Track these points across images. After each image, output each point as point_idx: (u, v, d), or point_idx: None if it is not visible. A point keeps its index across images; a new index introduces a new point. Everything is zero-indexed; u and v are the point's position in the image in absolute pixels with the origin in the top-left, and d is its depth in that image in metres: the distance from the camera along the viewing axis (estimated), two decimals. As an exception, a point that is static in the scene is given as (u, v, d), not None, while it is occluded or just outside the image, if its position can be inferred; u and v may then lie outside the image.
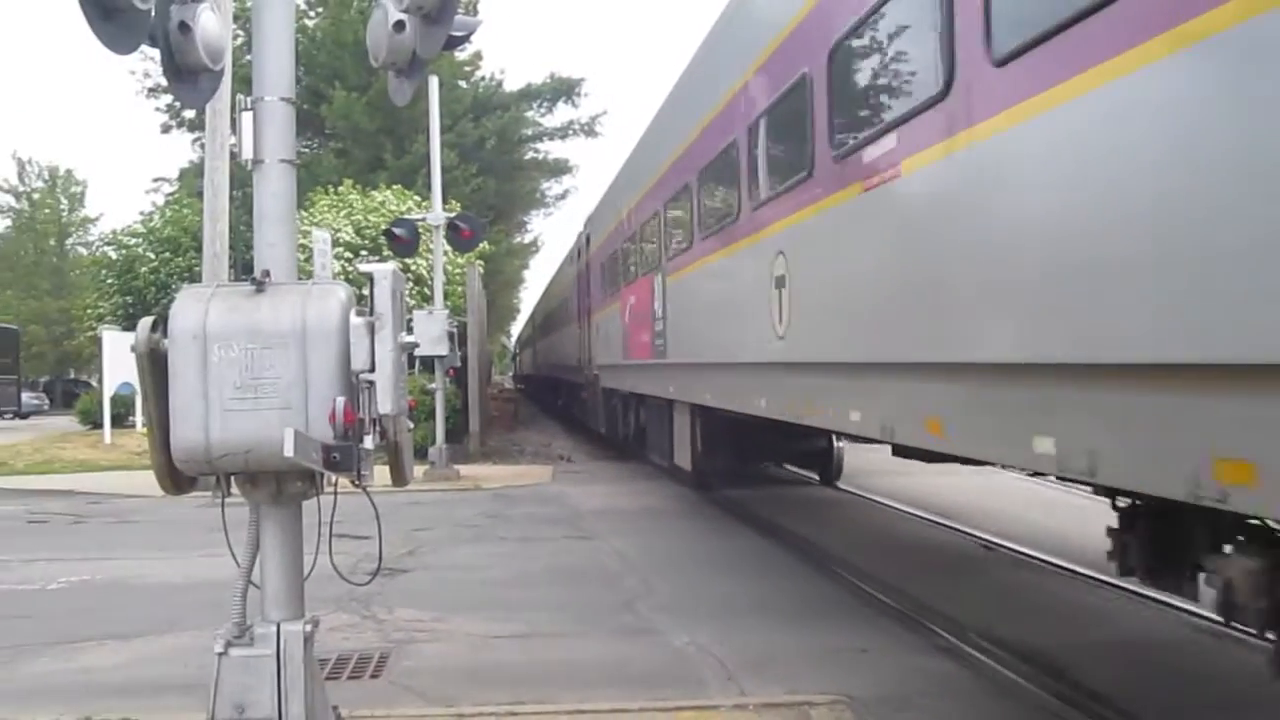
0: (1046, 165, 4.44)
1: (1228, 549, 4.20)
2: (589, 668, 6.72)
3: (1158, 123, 3.71)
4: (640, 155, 16.28)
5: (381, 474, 4.36)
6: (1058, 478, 5.03)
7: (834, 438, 13.86)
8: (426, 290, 23.52)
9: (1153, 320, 3.75)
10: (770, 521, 12.21)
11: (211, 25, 4.34)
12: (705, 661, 6.79)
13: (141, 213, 37.03)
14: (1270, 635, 4.15)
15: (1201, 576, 4.46)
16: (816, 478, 15.90)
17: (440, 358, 18.11)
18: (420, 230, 19.05)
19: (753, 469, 15.74)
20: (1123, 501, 4.90)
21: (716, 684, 6.32)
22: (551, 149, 47.62)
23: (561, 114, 45.77)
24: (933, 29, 5.48)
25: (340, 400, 4.00)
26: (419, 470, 15.85)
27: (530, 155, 47.02)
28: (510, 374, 66.36)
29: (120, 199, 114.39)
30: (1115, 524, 4.96)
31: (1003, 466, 6.79)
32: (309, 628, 4.27)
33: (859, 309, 6.70)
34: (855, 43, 6.82)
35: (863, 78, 6.92)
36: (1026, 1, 4.69)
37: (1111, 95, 3.93)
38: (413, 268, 25.09)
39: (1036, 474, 6.29)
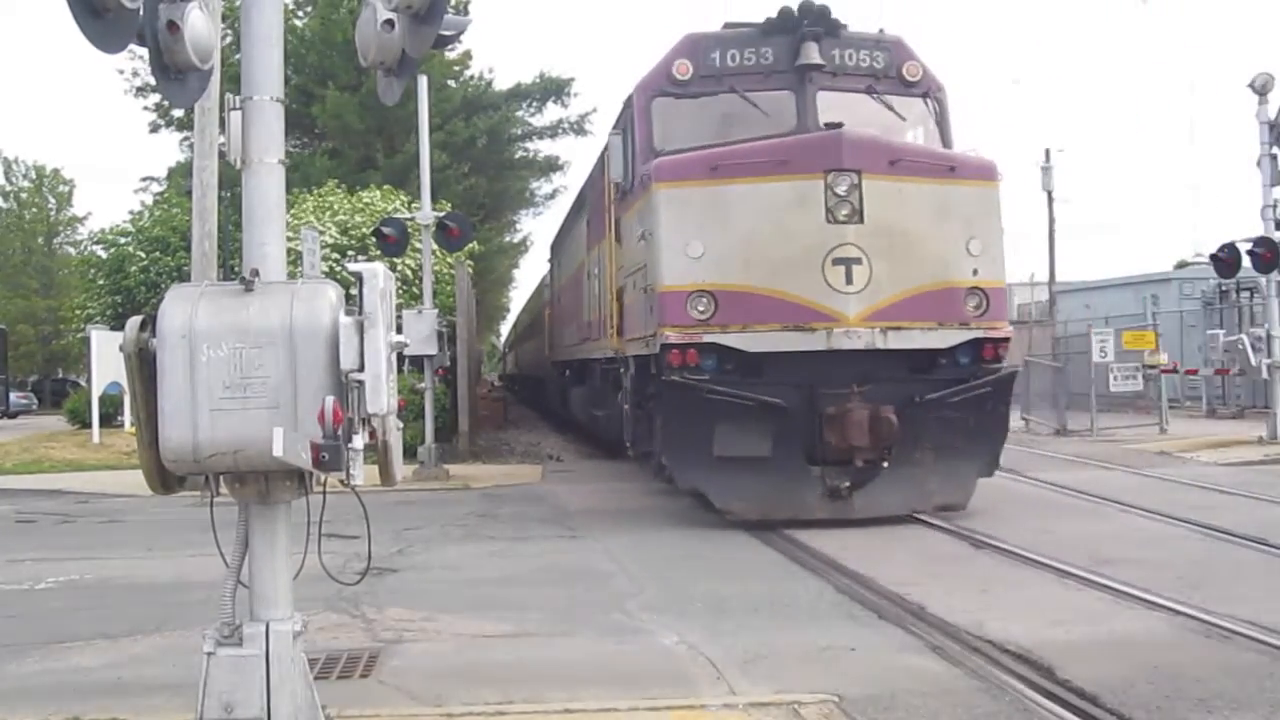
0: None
1: None
2: (578, 667, 6.73)
3: None
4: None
5: (370, 473, 4.36)
6: None
7: None
8: (415, 290, 23.48)
9: None
10: (759, 521, 12.21)
11: (200, 24, 4.33)
12: (694, 660, 6.80)
13: (131, 212, 36.74)
14: None
15: None
16: None
17: (429, 357, 18.05)
18: (409, 229, 19.03)
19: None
20: None
21: (706, 683, 6.33)
22: (541, 148, 47.61)
23: (551, 113, 45.74)
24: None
25: (329, 400, 4.00)
26: (408, 470, 15.84)
27: (520, 154, 46.99)
28: (498, 373, 67.30)
29: (108, 198, 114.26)
30: None
31: None
32: (297, 627, 4.27)
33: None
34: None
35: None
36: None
37: None
38: (400, 267, 25.04)
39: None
